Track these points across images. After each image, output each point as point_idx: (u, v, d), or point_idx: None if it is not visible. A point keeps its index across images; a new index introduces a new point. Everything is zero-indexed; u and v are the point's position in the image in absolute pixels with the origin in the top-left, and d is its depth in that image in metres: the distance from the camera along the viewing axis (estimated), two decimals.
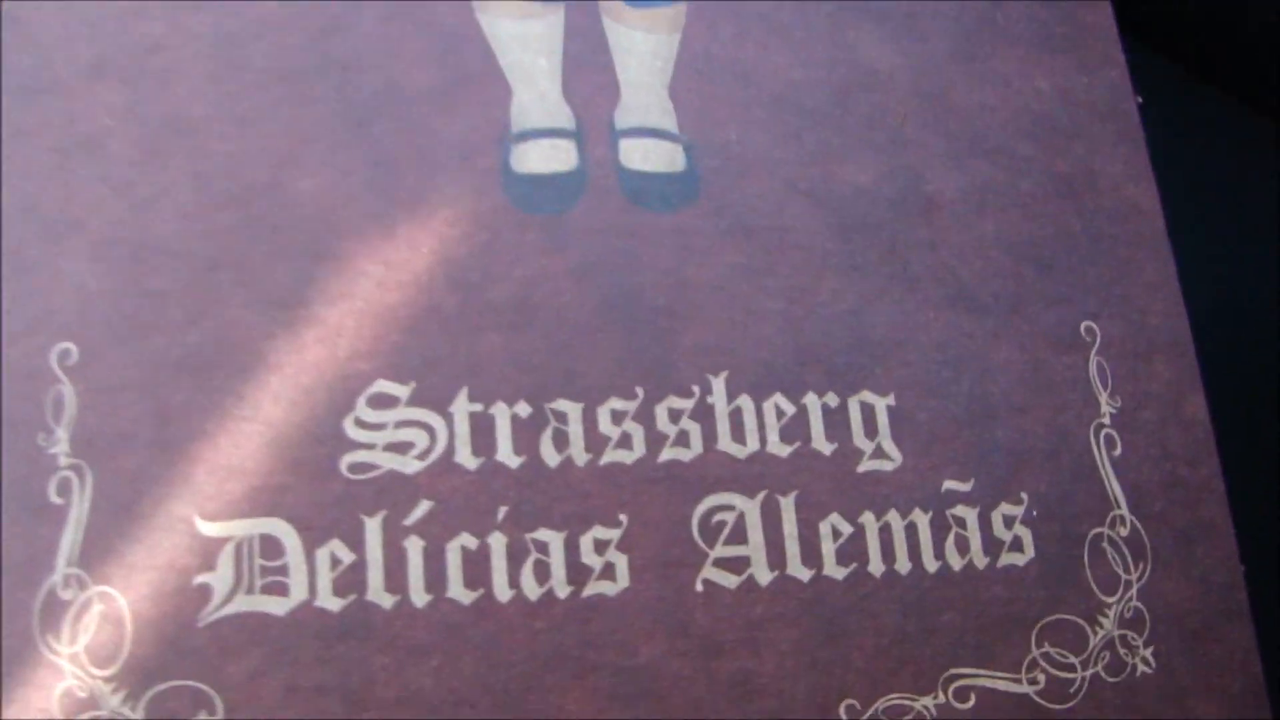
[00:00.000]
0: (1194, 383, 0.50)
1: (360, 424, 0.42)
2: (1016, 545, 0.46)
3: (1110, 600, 0.47)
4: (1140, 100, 0.54)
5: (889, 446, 0.46)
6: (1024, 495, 0.47)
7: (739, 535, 0.44)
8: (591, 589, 0.42)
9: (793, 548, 0.44)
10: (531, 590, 0.41)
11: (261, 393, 0.41)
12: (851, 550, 0.44)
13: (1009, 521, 0.46)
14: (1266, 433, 0.66)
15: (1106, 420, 0.49)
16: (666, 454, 0.44)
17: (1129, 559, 0.47)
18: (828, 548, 0.44)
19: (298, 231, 0.43)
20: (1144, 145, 0.54)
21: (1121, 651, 0.46)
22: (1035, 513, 0.47)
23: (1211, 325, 0.55)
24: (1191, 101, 0.74)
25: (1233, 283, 0.70)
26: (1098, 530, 0.47)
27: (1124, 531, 0.48)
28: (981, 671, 0.45)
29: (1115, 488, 0.48)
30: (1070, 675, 0.46)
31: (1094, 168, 0.52)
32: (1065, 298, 0.50)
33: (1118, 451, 0.48)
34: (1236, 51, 0.72)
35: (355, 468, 0.41)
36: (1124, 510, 0.48)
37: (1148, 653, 0.47)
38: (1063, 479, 0.48)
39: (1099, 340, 0.50)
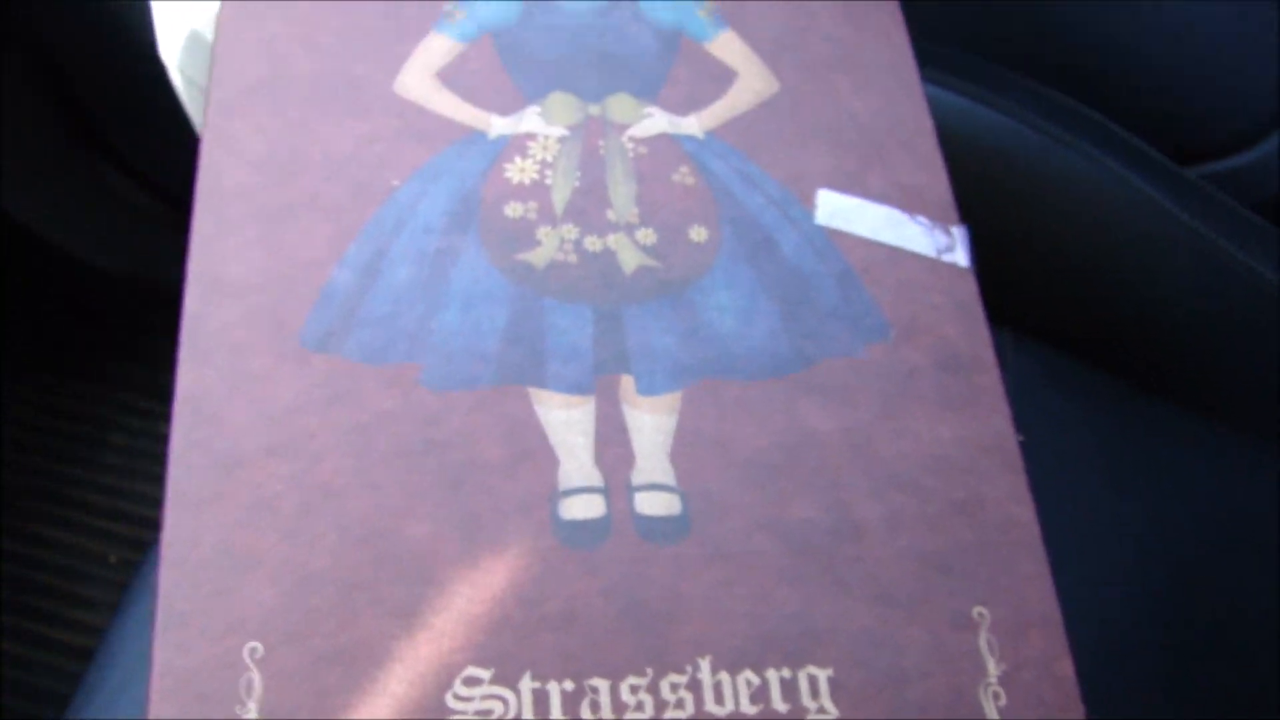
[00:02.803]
0: (1063, 650, 0.56)
1: (456, 698, 0.51)
2: None
3: None
4: (1021, 439, 0.64)
5: (828, 705, 0.53)
6: None
7: None
8: None
9: None
10: None
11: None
12: None
13: None
14: (1130, 688, 0.77)
15: (994, 681, 0.55)
16: (669, 715, 0.52)
17: None
18: None
19: (412, 563, 0.53)
20: (1023, 473, 0.63)
21: None
22: None
23: (1077, 601, 0.63)
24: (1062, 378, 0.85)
25: (1097, 569, 0.80)
26: None
27: None
28: None
29: None
30: None
31: (983, 494, 0.60)
32: (961, 591, 0.57)
33: (1003, 703, 0.54)
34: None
35: None
36: None
37: None
38: None
39: (988, 621, 0.56)
